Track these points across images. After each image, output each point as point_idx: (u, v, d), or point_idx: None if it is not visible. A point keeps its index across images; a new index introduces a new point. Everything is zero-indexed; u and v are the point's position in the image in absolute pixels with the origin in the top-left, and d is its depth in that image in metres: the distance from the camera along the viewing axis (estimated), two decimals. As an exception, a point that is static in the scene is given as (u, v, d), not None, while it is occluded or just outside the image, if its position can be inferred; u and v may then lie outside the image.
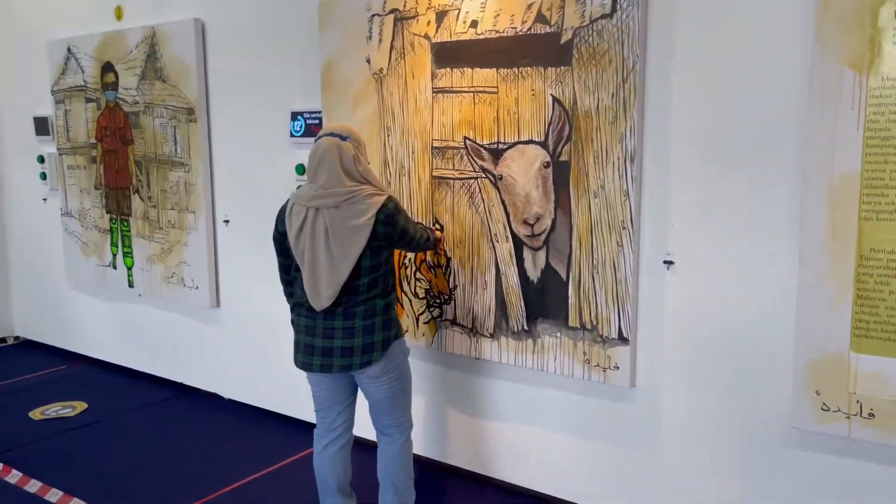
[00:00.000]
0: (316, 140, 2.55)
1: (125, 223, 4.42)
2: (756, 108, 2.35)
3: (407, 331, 3.19)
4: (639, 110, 2.53)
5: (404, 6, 3.05)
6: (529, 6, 2.73)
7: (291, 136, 3.56)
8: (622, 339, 2.66)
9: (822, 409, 2.28)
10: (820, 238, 2.23)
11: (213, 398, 4.23)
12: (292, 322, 2.69)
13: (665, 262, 2.58)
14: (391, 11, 3.09)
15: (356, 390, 2.72)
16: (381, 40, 3.15)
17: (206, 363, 4.23)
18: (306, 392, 3.72)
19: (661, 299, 2.61)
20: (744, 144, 2.38)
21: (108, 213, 4.52)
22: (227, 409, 4.09)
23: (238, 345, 4.04)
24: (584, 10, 2.60)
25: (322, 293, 2.49)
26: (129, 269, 4.45)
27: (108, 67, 4.32)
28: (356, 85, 3.24)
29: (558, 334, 2.81)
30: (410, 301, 3.21)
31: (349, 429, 2.72)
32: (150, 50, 4.06)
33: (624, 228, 2.61)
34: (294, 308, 2.65)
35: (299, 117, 3.53)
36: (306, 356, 2.59)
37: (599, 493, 2.86)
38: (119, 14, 4.27)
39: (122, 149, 4.33)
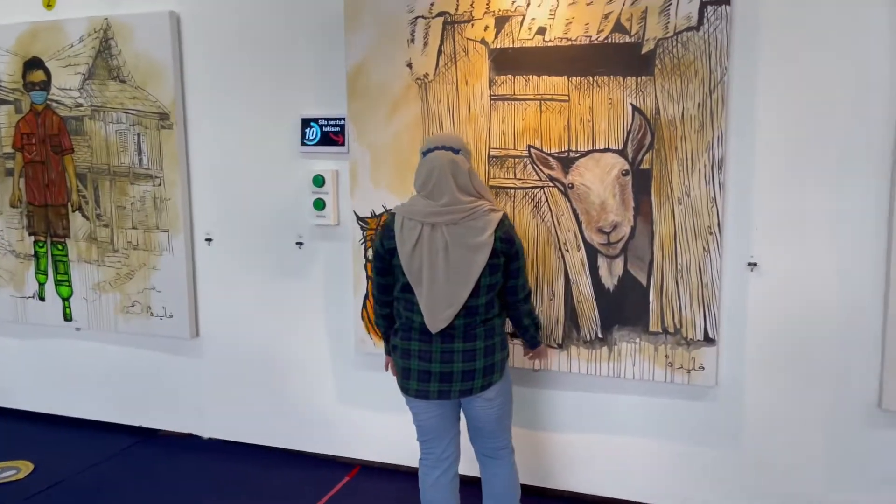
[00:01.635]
0: (425, 152, 2.38)
1: (59, 246, 3.78)
2: (840, 116, 2.55)
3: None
4: (725, 119, 2.64)
5: (456, 10, 2.92)
6: (607, 16, 2.74)
7: (303, 144, 3.26)
8: (708, 340, 2.75)
9: (912, 390, 2.54)
10: (910, 236, 2.48)
11: (187, 439, 3.74)
12: (394, 346, 2.47)
13: (749, 263, 2.72)
14: (440, 14, 2.95)
15: (460, 415, 2.56)
16: (426, 44, 2.98)
17: (179, 401, 3.73)
18: (306, 422, 3.47)
19: (743, 299, 2.74)
20: (828, 150, 2.58)
21: (32, 234, 3.83)
22: (211, 449, 3.64)
23: (222, 377, 3.62)
24: (668, 22, 2.67)
25: (439, 314, 2.33)
26: (66, 299, 3.81)
27: (34, 64, 3.67)
28: (394, 90, 3.05)
29: (637, 340, 2.85)
30: (461, 316, 3.08)
31: (458, 457, 2.56)
32: (102, 45, 3.51)
33: (711, 234, 2.70)
34: (400, 331, 2.44)
35: (313, 124, 3.24)
36: (421, 383, 2.39)
37: (683, 492, 2.94)
38: (49, 2, 3.64)
39: (56, 159, 3.70)
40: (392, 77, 3.05)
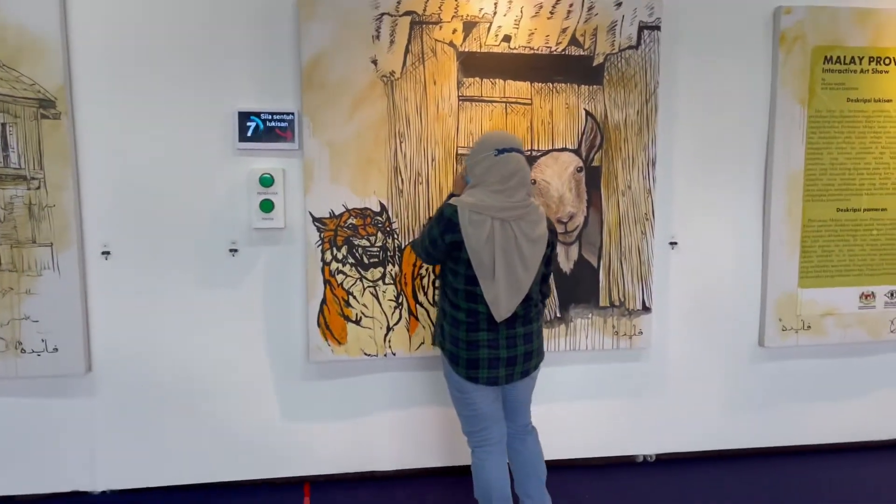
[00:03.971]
0: (501, 151, 2.45)
1: None
2: (733, 127, 3.29)
3: (422, 343, 3.14)
4: (657, 124, 3.19)
5: (424, 10, 2.97)
6: (564, 30, 3.08)
7: (242, 141, 2.95)
8: (645, 309, 3.29)
9: (783, 330, 3.40)
10: (780, 214, 3.33)
11: (70, 499, 3.05)
12: (457, 339, 2.53)
13: (671, 243, 3.32)
14: (407, 13, 2.96)
15: (499, 398, 2.70)
16: (392, 42, 2.97)
17: (59, 453, 3.02)
18: (243, 447, 3.17)
19: (667, 272, 3.34)
20: (724, 152, 3.30)
21: None
22: (112, 504, 3.05)
23: (124, 415, 3.05)
24: (614, 41, 3.12)
25: (507, 304, 2.46)
26: None
27: None
28: (357, 86, 2.96)
29: (590, 315, 3.26)
30: (427, 311, 3.14)
31: (504, 438, 2.70)
32: (-60, 8, 2.68)
33: (647, 220, 3.24)
34: (463, 324, 2.51)
35: (254, 118, 2.95)
36: (491, 370, 2.51)
37: (621, 441, 3.44)
38: None
39: None
40: (355, 72, 2.96)
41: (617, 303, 3.28)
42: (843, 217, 3.36)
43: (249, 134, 2.97)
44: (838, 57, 3.27)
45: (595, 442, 3.42)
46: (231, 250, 3.03)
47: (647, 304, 3.29)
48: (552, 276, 3.15)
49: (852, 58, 3.27)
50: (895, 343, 3.56)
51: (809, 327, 3.42)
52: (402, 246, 3.07)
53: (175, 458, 3.12)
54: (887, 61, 3.29)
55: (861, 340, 3.48)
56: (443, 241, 2.46)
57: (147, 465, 3.11)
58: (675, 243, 3.34)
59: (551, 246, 2.60)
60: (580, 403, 3.37)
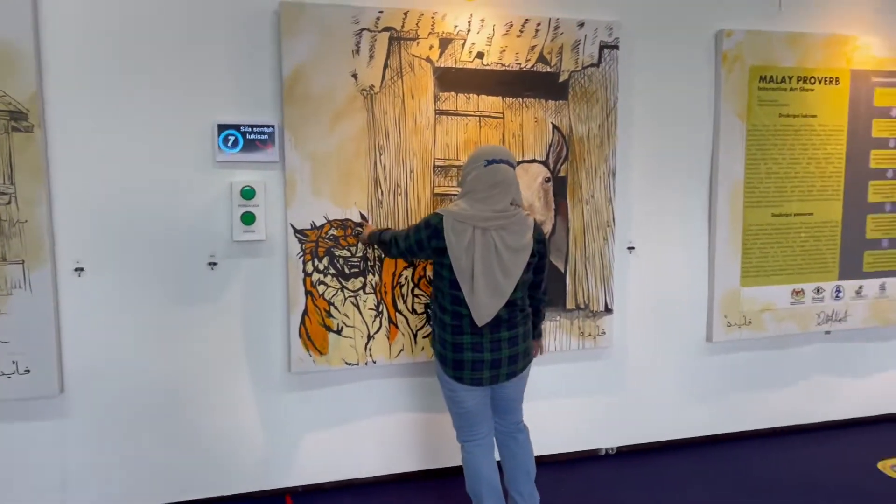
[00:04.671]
0: (490, 162, 2.57)
1: None
2: (683, 140, 3.56)
3: (402, 349, 3.22)
4: (616, 137, 3.41)
5: (402, 27, 3.06)
6: (532, 48, 3.24)
7: (221, 153, 2.93)
8: (608, 310, 3.50)
9: (727, 325, 3.70)
10: (724, 219, 3.62)
11: (41, 527, 2.93)
12: (444, 341, 2.68)
13: (629, 247, 3.55)
14: (386, 29, 3.04)
15: (488, 398, 2.82)
16: (372, 57, 3.04)
17: (27, 481, 2.88)
18: (224, 462, 3.15)
19: (626, 275, 3.56)
20: (675, 163, 3.56)
21: None
22: (88, 529, 2.94)
23: (98, 436, 2.95)
24: (577, 59, 3.31)
25: (487, 309, 2.60)
26: None
27: None
28: (338, 100, 3.01)
29: (557, 318, 3.43)
30: (406, 318, 3.21)
31: (491, 434, 2.85)
32: None
33: (608, 226, 3.45)
34: (449, 326, 2.65)
35: (234, 131, 2.94)
36: (475, 372, 2.66)
37: (586, 436, 3.64)
38: None
39: None
40: (335, 86, 3.01)
41: (582, 305, 3.47)
42: (778, 221, 3.70)
43: (229, 146, 2.95)
44: (771, 76, 3.60)
45: (561, 438, 3.60)
46: (210, 264, 3.00)
47: (609, 306, 3.50)
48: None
49: (783, 77, 3.62)
50: (820, 334, 3.95)
51: (750, 322, 3.74)
52: (383, 256, 3.14)
53: (153, 477, 3.05)
54: (812, 80, 3.66)
55: (792, 333, 3.83)
56: (429, 244, 2.62)
57: (123, 486, 3.02)
58: (633, 248, 3.57)
59: (538, 255, 2.74)
60: (549, 403, 3.53)
